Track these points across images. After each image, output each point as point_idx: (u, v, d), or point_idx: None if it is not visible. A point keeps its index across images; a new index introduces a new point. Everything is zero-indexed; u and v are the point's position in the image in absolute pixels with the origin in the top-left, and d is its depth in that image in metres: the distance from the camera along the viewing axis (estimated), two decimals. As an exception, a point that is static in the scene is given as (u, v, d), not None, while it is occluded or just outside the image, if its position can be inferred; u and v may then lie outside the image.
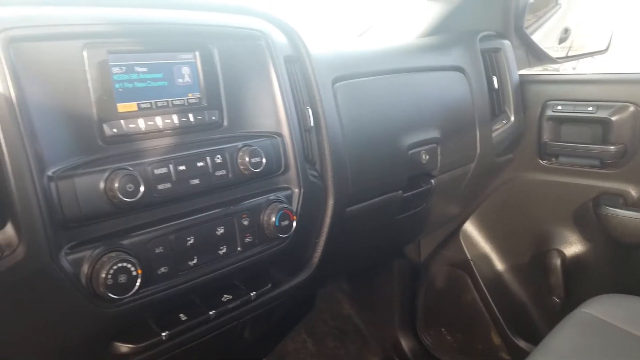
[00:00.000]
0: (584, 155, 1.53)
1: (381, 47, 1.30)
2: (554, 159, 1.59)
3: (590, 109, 1.47)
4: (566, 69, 1.78)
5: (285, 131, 0.92)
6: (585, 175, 1.53)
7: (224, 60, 0.86)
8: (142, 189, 0.71)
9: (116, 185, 0.68)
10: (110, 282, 0.68)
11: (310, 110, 0.98)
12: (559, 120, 1.56)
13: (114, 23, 0.74)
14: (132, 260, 0.70)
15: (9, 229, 0.64)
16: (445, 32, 1.53)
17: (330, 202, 1.03)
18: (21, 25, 0.66)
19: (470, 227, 1.79)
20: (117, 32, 0.74)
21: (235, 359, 1.31)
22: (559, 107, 1.53)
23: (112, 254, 0.69)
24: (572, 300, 1.44)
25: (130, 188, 0.69)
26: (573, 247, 1.61)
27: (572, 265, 1.61)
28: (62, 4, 0.72)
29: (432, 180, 1.34)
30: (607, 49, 1.81)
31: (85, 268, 0.68)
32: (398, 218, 1.32)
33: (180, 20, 0.83)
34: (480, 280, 1.77)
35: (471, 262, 1.79)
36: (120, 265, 0.69)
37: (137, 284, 0.71)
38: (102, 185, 0.69)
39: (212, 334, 0.88)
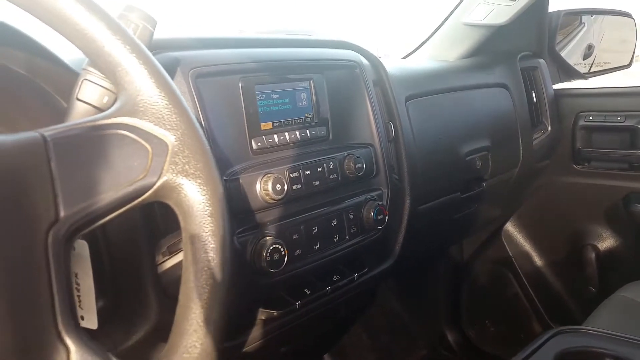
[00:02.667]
0: (614, 160, 1.69)
1: (438, 67, 1.50)
2: (586, 164, 1.76)
3: (619, 118, 1.64)
4: (596, 83, 1.96)
5: (375, 142, 1.12)
6: (616, 178, 1.69)
7: (329, 86, 1.06)
8: (285, 188, 0.90)
9: (269, 185, 0.88)
10: (268, 258, 0.87)
11: (391, 125, 1.19)
12: (591, 129, 1.73)
13: (258, 61, 0.95)
14: (281, 242, 0.90)
15: None
16: (486, 53, 1.72)
17: (407, 201, 1.22)
18: (202, 65, 0.86)
19: (511, 227, 1.96)
20: (260, 68, 0.94)
21: (307, 350, 1.51)
22: (591, 118, 1.70)
23: (268, 238, 0.89)
24: (606, 289, 1.56)
25: (278, 188, 0.89)
26: (606, 241, 1.77)
27: (606, 258, 1.77)
28: (224, 47, 0.94)
29: (484, 184, 1.53)
30: (630, 64, 1.99)
31: (249, 248, 0.88)
32: (455, 217, 1.51)
33: (301, 56, 1.04)
34: (521, 275, 1.94)
35: (513, 259, 1.96)
36: (274, 246, 0.88)
37: (285, 261, 0.90)
38: (258, 185, 0.88)
39: (325, 308, 1.08)
